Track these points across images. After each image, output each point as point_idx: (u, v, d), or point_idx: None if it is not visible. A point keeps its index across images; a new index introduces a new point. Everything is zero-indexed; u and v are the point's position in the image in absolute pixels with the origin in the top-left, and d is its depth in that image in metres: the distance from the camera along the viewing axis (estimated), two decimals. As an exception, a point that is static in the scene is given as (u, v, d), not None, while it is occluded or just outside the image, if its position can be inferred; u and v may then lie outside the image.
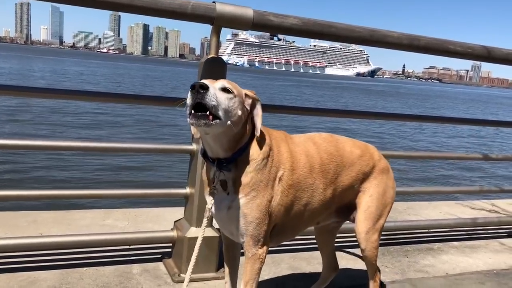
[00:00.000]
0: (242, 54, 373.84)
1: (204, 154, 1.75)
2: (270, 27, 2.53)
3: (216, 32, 2.44)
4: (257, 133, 1.71)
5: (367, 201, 2.08)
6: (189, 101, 1.50)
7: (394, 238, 3.63)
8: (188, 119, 1.51)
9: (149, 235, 2.75)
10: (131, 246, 2.82)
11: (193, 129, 1.88)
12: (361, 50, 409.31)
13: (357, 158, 2.06)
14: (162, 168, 10.60)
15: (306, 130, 2.12)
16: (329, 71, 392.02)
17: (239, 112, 1.63)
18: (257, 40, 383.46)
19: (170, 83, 47.24)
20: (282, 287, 2.60)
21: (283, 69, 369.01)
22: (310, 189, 1.88)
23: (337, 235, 2.46)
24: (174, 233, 2.67)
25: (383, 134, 20.85)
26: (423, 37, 3.01)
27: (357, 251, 2.92)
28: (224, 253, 2.05)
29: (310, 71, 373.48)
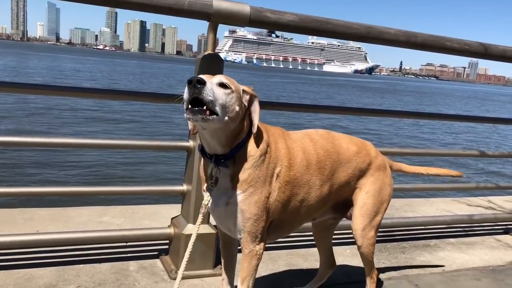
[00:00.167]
0: (240, 51, 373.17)
1: (202, 150, 1.75)
2: (267, 23, 2.52)
3: (213, 29, 2.43)
4: (254, 130, 1.71)
5: (363, 198, 2.08)
6: (186, 96, 1.49)
7: (391, 234, 3.64)
8: (185, 114, 1.50)
9: (146, 232, 2.74)
10: (128, 243, 2.82)
11: (190, 125, 1.88)
12: (359, 47, 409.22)
13: (354, 154, 2.06)
14: (159, 165, 10.58)
15: (303, 128, 2.12)
16: (327, 68, 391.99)
17: (237, 108, 1.62)
18: (255, 37, 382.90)
19: (167, 80, 47.11)
20: (279, 283, 2.60)
21: (281, 66, 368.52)
22: (307, 185, 1.88)
23: (335, 232, 2.46)
24: (171, 230, 2.67)
25: (381, 132, 20.88)
26: (420, 34, 3.00)
27: (354, 248, 2.93)
28: (221, 250, 2.05)
29: (308, 68, 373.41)
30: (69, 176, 9.19)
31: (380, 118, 23.08)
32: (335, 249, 2.49)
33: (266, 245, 1.85)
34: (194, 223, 2.53)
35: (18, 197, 4.63)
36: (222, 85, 1.59)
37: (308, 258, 2.99)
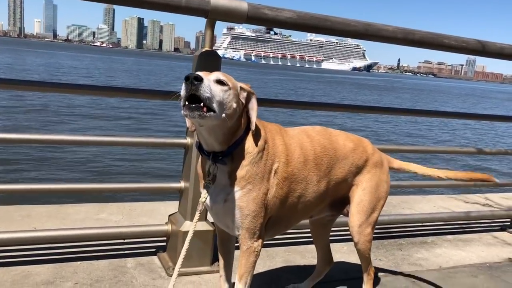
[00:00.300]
0: (238, 48, 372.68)
1: (200, 147, 1.74)
2: (265, 20, 2.51)
3: (211, 25, 2.43)
4: (253, 127, 1.71)
5: (360, 195, 2.08)
6: (183, 92, 1.49)
7: (388, 231, 3.66)
8: (182, 111, 1.50)
9: (144, 229, 2.74)
10: (126, 240, 2.82)
11: (188, 122, 1.87)
12: (358, 45, 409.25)
13: (350, 151, 2.06)
14: (157, 162, 10.57)
15: (300, 125, 2.11)
16: (325, 65, 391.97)
17: (234, 105, 1.62)
18: (253, 34, 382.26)
19: (165, 77, 47.00)
20: (277, 280, 2.61)
21: (280, 63, 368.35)
22: (304, 181, 1.88)
23: (332, 229, 2.47)
24: (168, 227, 2.67)
25: (378, 129, 20.89)
26: (418, 31, 3.01)
27: (351, 245, 2.93)
28: (219, 247, 2.05)
29: (307, 66, 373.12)
30: (67, 173, 9.18)
31: (377, 116, 23.14)
32: (333, 246, 2.50)
33: (264, 242, 1.85)
34: (191, 220, 2.53)
35: (15, 194, 4.62)
36: (220, 82, 1.59)
37: (305, 255, 3.00)
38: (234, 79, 1.69)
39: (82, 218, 3.21)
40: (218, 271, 2.15)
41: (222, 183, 1.74)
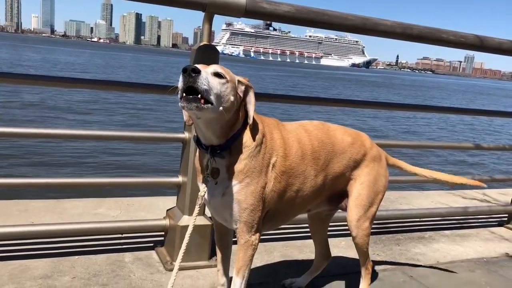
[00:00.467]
0: (237, 44, 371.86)
1: (198, 141, 1.74)
2: (263, 14, 2.50)
3: (209, 20, 2.41)
4: (250, 120, 1.70)
5: (358, 189, 2.08)
6: (180, 84, 1.48)
7: (386, 226, 3.66)
8: (179, 103, 1.49)
9: (142, 223, 2.74)
10: (123, 235, 2.82)
11: (185, 116, 1.86)
12: (357, 41, 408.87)
13: (348, 145, 2.05)
14: (154, 156, 10.56)
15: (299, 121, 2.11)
16: (324, 61, 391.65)
17: (232, 98, 1.62)
18: (252, 30, 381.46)
19: (162, 73, 46.88)
20: (275, 274, 2.61)
21: (279, 59, 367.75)
22: (302, 175, 1.88)
23: (330, 224, 2.47)
24: (166, 222, 2.67)
25: (378, 126, 20.90)
26: (416, 26, 3.00)
27: (349, 239, 2.94)
28: (217, 241, 2.05)
29: (306, 62, 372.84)
30: (64, 167, 9.15)
31: (375, 112, 23.14)
32: (331, 240, 2.50)
33: (262, 237, 1.85)
34: (189, 214, 2.53)
35: (13, 188, 4.61)
36: (217, 74, 1.58)
37: (303, 250, 3.00)
38: (232, 73, 1.69)
39: (80, 212, 3.20)
40: (216, 266, 2.15)
41: (220, 177, 1.73)
